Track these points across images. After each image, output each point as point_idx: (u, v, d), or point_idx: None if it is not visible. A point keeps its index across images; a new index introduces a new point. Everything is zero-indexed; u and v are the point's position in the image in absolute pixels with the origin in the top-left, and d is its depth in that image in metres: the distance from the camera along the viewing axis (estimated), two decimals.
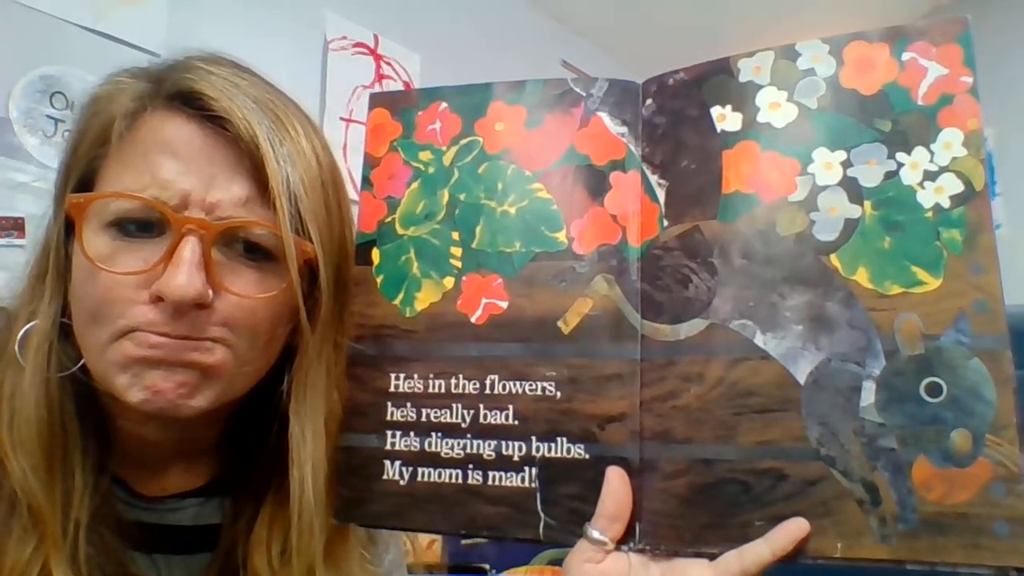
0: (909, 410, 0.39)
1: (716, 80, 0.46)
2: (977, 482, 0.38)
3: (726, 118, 0.46)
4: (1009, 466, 0.37)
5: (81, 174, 0.49)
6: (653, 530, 0.43)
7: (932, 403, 0.39)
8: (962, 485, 0.38)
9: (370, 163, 0.52)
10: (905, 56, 0.43)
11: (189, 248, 0.45)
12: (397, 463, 0.47)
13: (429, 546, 1.47)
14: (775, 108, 0.45)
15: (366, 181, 0.52)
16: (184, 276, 0.44)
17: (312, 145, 0.49)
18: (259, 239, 0.48)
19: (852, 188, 0.42)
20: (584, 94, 0.49)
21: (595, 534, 0.42)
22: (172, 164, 0.46)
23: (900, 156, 0.42)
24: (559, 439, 0.45)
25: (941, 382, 0.39)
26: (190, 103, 0.47)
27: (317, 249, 0.48)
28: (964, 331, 0.39)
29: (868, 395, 0.40)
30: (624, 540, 0.43)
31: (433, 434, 0.47)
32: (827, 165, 0.43)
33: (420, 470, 0.47)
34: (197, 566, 0.53)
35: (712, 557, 0.41)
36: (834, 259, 0.42)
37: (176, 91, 0.48)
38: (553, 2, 2.41)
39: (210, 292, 0.46)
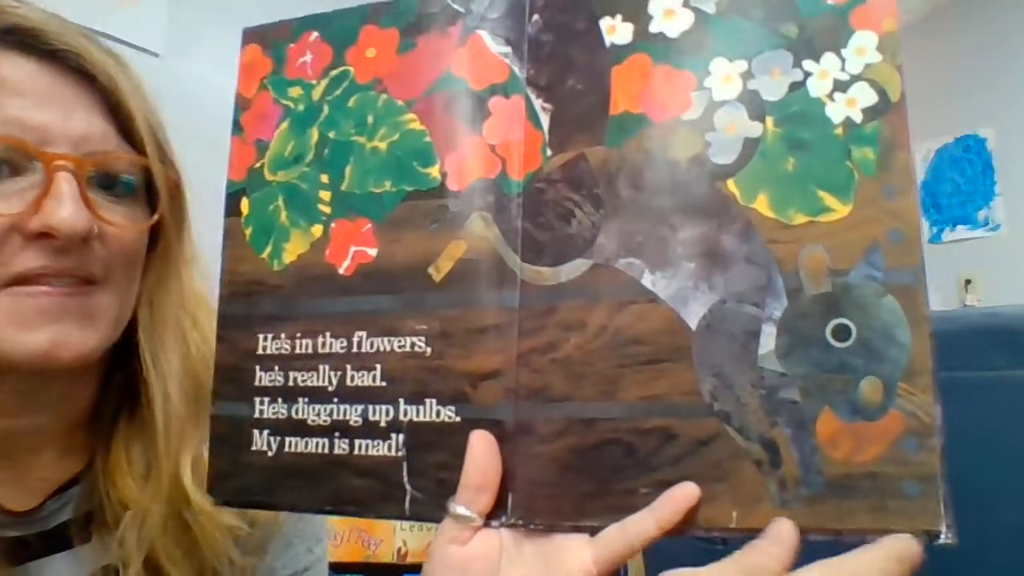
0: (813, 357, 0.33)
1: None
2: (887, 437, 0.32)
3: (616, 30, 0.39)
4: (922, 417, 0.31)
5: None
6: (527, 501, 0.37)
7: (839, 348, 0.33)
8: (871, 440, 0.32)
9: (241, 105, 0.47)
10: None
11: (65, 182, 0.43)
12: (265, 432, 0.43)
13: None
14: (669, 16, 0.38)
15: (236, 125, 0.47)
16: (70, 208, 0.42)
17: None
18: (127, 172, 0.47)
19: (753, 103, 0.36)
20: (463, 10, 0.43)
21: (459, 509, 0.37)
22: (21, 101, 0.44)
23: (807, 64, 0.36)
24: (428, 401, 0.40)
25: (849, 324, 0.33)
26: (25, 41, 0.44)
27: (180, 174, 0.48)
28: (876, 264, 0.33)
29: (768, 341, 0.34)
30: (495, 514, 0.37)
31: (300, 399, 0.42)
32: (726, 78, 0.37)
33: (287, 440, 0.42)
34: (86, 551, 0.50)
35: (594, 531, 0.36)
36: (731, 185, 0.36)
37: (10, 27, 0.44)
38: None
39: (96, 227, 0.44)
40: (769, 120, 0.36)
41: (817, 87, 0.35)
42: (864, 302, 0.33)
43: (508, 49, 0.42)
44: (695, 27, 0.38)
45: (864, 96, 0.35)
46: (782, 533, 0.31)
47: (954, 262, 3.04)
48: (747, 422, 0.34)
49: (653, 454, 0.35)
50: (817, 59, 0.36)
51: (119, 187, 0.47)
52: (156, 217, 0.49)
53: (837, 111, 0.35)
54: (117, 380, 0.52)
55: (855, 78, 0.35)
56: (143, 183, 0.49)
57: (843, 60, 0.35)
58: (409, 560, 1.47)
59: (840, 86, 0.35)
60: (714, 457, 0.34)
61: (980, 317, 0.53)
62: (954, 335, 0.51)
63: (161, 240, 0.51)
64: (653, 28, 0.39)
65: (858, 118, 0.35)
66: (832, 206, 0.34)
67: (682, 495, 0.34)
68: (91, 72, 0.46)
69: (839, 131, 0.35)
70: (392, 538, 1.49)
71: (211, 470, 0.44)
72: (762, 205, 0.35)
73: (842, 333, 0.33)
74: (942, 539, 0.31)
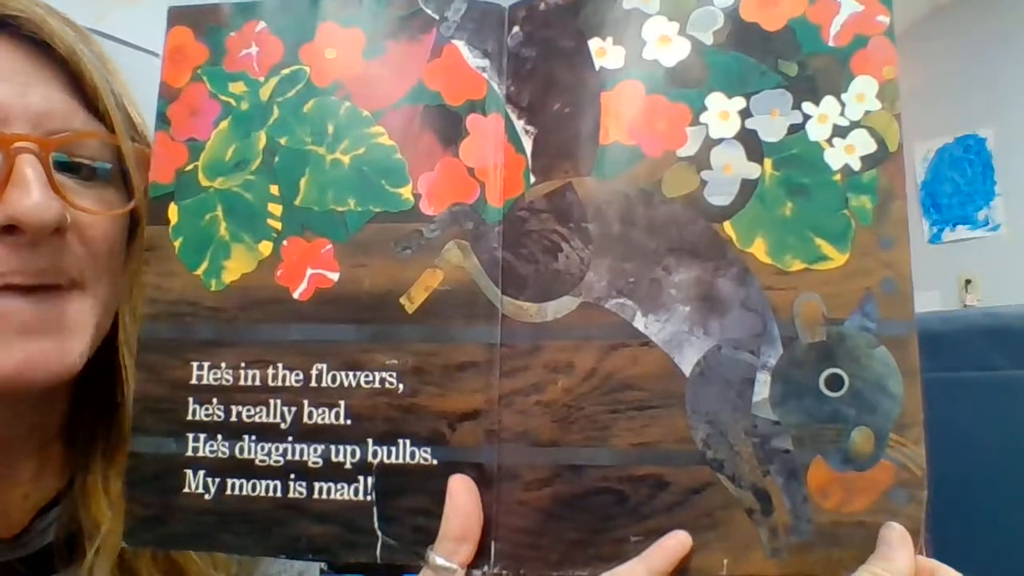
0: (807, 406, 0.34)
1: (596, 5, 0.38)
2: (877, 487, 0.33)
3: (607, 53, 0.38)
4: (913, 470, 0.33)
5: None
6: (511, 550, 0.36)
7: (832, 398, 0.34)
8: (861, 490, 0.33)
9: (167, 95, 0.41)
10: None
11: (29, 167, 0.38)
12: (200, 473, 0.38)
13: None
14: (664, 43, 0.38)
15: (162, 118, 0.41)
16: (36, 195, 0.37)
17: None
18: (97, 152, 0.43)
19: (751, 143, 0.36)
20: (437, 17, 0.40)
21: (439, 560, 0.35)
22: None
23: (807, 107, 0.36)
24: (401, 442, 0.37)
25: (843, 374, 0.34)
26: None
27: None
28: (870, 315, 0.34)
29: (762, 389, 0.35)
30: (476, 563, 0.36)
31: (246, 437, 0.38)
32: (723, 114, 0.36)
33: (230, 481, 0.38)
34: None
35: None
36: (728, 227, 0.36)
37: None
38: None
39: (68, 215, 0.39)
40: (768, 162, 0.36)
41: (816, 131, 0.36)
42: (857, 352, 0.34)
43: (486, 62, 0.39)
44: (691, 58, 0.37)
45: (863, 144, 0.35)
46: None
47: (954, 262, 3.04)
48: (740, 470, 0.34)
49: (645, 502, 0.35)
50: (817, 102, 0.36)
51: (89, 169, 0.42)
52: (134, 203, 0.43)
53: (836, 157, 0.35)
54: (95, 387, 0.46)
55: (854, 124, 0.36)
56: (117, 164, 0.44)
57: (843, 105, 0.36)
58: None
59: (839, 132, 0.36)
60: (706, 505, 0.34)
61: (980, 317, 0.56)
62: (954, 335, 0.53)
63: (141, 228, 0.44)
64: (647, 55, 0.38)
65: (856, 166, 0.35)
66: (829, 254, 0.35)
67: (674, 544, 0.34)
68: (48, 41, 0.41)
69: (837, 177, 0.35)
70: None
71: (130, 515, 0.39)
72: (759, 250, 0.35)
73: (835, 383, 0.34)
74: None
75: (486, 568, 0.36)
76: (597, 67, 0.38)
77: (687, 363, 0.35)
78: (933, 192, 3.21)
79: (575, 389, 0.36)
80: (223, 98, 0.40)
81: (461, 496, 0.35)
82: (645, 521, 0.35)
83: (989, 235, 3.03)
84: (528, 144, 0.38)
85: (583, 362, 0.36)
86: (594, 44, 0.38)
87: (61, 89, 0.42)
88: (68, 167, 0.42)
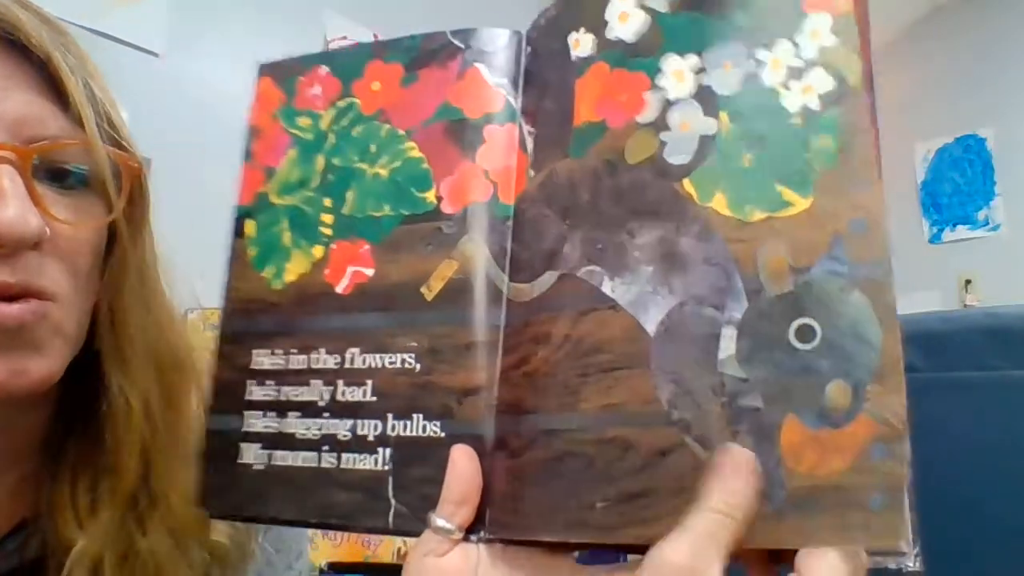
0: (776, 360, 0.32)
1: (573, 3, 0.41)
2: (855, 445, 0.30)
3: (580, 43, 0.40)
4: (893, 422, 0.30)
5: None
6: (498, 516, 0.37)
7: (803, 350, 0.31)
8: (837, 449, 0.30)
9: (252, 134, 0.49)
10: None
11: (7, 178, 0.37)
12: (255, 446, 0.43)
13: None
14: (624, 19, 0.39)
15: (247, 153, 0.49)
16: (15, 208, 0.36)
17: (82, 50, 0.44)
18: (78, 160, 0.41)
19: (707, 98, 0.36)
20: (462, 46, 0.45)
21: (440, 522, 0.37)
22: None
23: (760, 53, 0.35)
24: (415, 416, 0.40)
25: (814, 324, 0.31)
26: None
27: (141, 162, 0.43)
28: (840, 258, 0.31)
29: (728, 344, 0.33)
30: (473, 528, 0.37)
31: (291, 414, 0.43)
32: (677, 74, 0.36)
33: (277, 453, 0.43)
34: None
35: (559, 547, 0.36)
36: (687, 184, 0.35)
37: None
38: None
39: (47, 229, 0.38)
40: (724, 115, 0.35)
41: (771, 76, 0.34)
42: (829, 299, 0.31)
43: (505, 80, 0.44)
44: (649, 27, 0.38)
45: (821, 82, 0.33)
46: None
47: (954, 262, 3.03)
48: (708, 432, 0.32)
49: (611, 465, 0.34)
50: (770, 47, 0.35)
51: (70, 178, 0.41)
52: (115, 214, 0.42)
53: (793, 100, 0.34)
54: (70, 400, 0.46)
55: (810, 63, 0.34)
56: (97, 173, 0.42)
57: (797, 46, 0.34)
58: None
59: (795, 73, 0.34)
60: (675, 469, 0.33)
61: (980, 317, 0.52)
62: (954, 335, 0.50)
63: (119, 239, 0.44)
64: (610, 35, 0.39)
65: (815, 106, 0.33)
66: (791, 200, 0.33)
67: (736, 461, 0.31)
68: (24, 43, 0.39)
69: (797, 121, 0.34)
70: (392, 538, 1.47)
71: (203, 484, 0.45)
72: (720, 204, 0.34)
73: (807, 334, 0.31)
74: (909, 567, 0.29)
75: (482, 533, 0.37)
76: (573, 58, 0.40)
77: (652, 323, 0.34)
78: (933, 192, 3.10)
79: (551, 357, 0.37)
80: (292, 131, 0.48)
81: (462, 463, 0.37)
82: (612, 485, 0.34)
83: (989, 235, 2.91)
84: (530, 145, 0.42)
85: (558, 331, 0.37)
86: (571, 38, 0.41)
87: (39, 93, 0.40)
88: (47, 174, 0.40)
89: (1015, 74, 2.96)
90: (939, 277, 3.00)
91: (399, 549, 1.49)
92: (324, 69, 0.48)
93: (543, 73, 0.42)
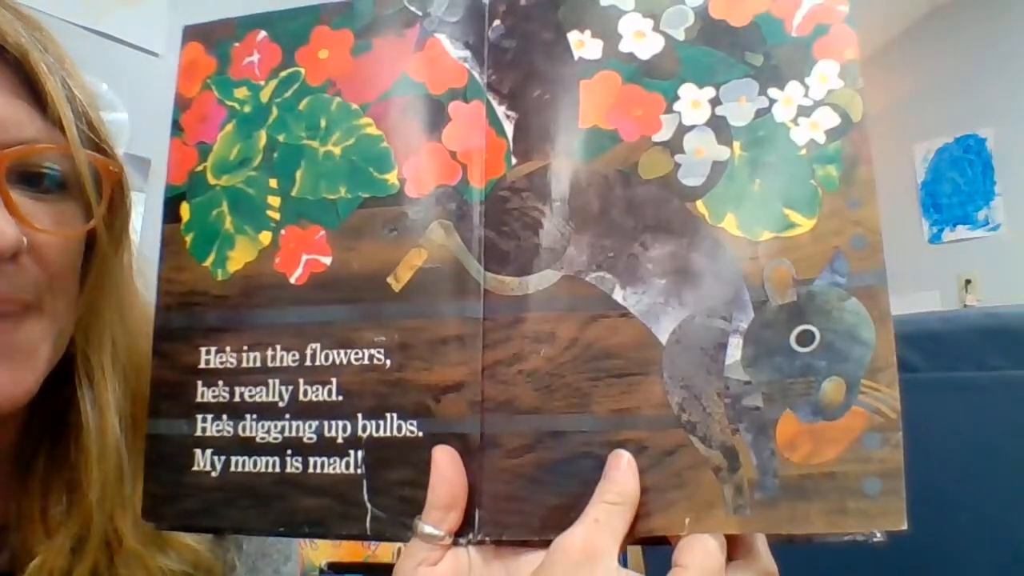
0: (778, 363, 0.34)
1: (574, 1, 0.40)
2: (849, 434, 0.33)
3: (585, 44, 0.40)
4: (886, 412, 0.32)
5: None
6: (494, 517, 0.36)
7: (803, 352, 0.34)
8: (831, 440, 0.33)
9: (181, 105, 0.44)
10: None
11: None
12: (208, 452, 0.40)
13: None
14: (640, 37, 0.39)
15: (176, 126, 0.44)
16: None
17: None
18: (56, 164, 0.40)
19: (721, 128, 0.38)
20: (420, 13, 0.42)
21: (428, 529, 0.35)
22: None
23: (772, 92, 0.37)
24: (389, 415, 0.38)
25: (813, 329, 0.34)
26: None
27: (122, 165, 0.41)
28: (840, 271, 0.34)
29: (734, 351, 0.35)
30: (462, 531, 0.36)
31: (247, 416, 0.40)
32: (694, 103, 0.38)
33: (233, 459, 0.40)
34: None
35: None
36: (700, 205, 0.37)
37: None
38: None
39: (25, 239, 0.37)
40: (736, 144, 0.37)
41: (782, 113, 0.37)
42: (828, 307, 0.34)
43: (467, 53, 0.41)
44: (665, 51, 0.39)
45: (827, 119, 0.37)
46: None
47: (954, 262, 3.03)
48: (711, 431, 0.35)
49: None
50: (782, 87, 0.37)
51: (46, 182, 0.40)
52: (95, 222, 0.41)
53: (801, 134, 0.37)
54: (43, 411, 0.45)
55: (818, 103, 0.37)
56: (76, 178, 0.42)
57: (806, 87, 0.37)
58: None
59: (804, 111, 0.37)
60: (677, 466, 0.35)
61: (980, 317, 0.54)
62: (954, 335, 0.52)
63: (98, 246, 0.43)
64: (623, 47, 0.39)
65: (821, 139, 0.36)
66: (797, 221, 0.36)
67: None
68: None
69: (803, 152, 0.37)
70: None
71: (147, 494, 0.41)
72: (730, 224, 0.36)
73: (806, 338, 0.34)
74: (876, 536, 0.32)
75: (471, 536, 0.36)
76: (576, 57, 0.40)
77: (664, 332, 0.36)
78: (933, 192, 3.17)
79: (557, 358, 0.37)
80: (228, 103, 0.43)
81: (446, 466, 0.36)
82: None
83: (989, 235, 2.99)
84: (509, 128, 0.40)
85: (565, 332, 0.37)
86: (573, 36, 0.40)
87: (16, 95, 0.39)
88: (24, 179, 0.39)
89: (1015, 74, 2.98)
90: (939, 277, 3.01)
91: (399, 549, 1.47)
92: (262, 34, 0.44)
93: (527, 58, 0.40)
